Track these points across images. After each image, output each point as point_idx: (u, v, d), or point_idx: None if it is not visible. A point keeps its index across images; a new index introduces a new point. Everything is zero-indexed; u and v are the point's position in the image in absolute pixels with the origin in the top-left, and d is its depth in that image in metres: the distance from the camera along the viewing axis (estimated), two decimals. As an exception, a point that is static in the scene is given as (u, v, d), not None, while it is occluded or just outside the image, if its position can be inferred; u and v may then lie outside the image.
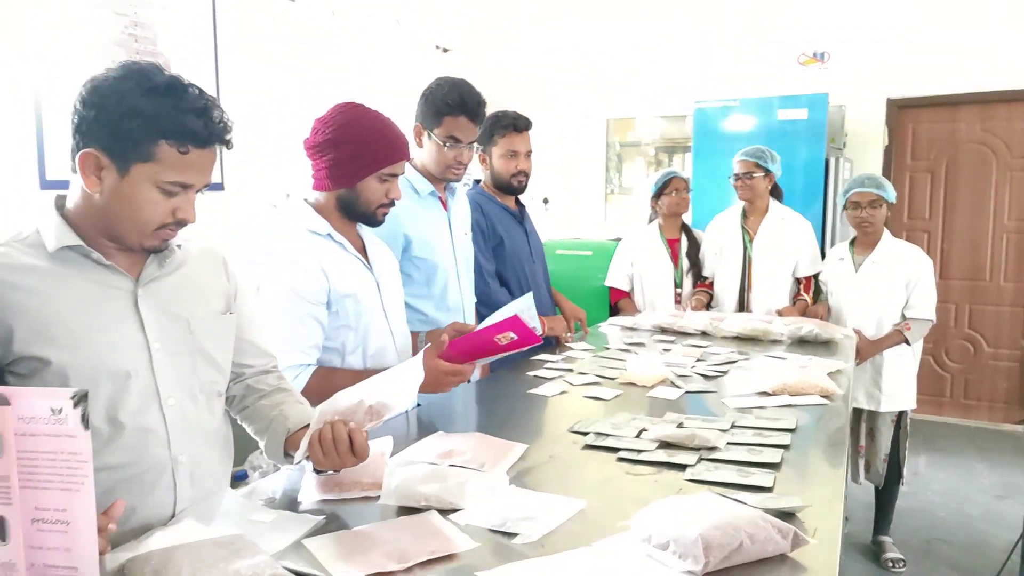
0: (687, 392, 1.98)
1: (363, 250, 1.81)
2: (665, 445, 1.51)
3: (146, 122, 1.07)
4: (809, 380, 1.92)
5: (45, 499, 0.84)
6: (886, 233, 3.12)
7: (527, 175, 2.68)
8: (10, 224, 1.16)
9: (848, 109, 4.77)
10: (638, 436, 1.57)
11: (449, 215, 2.23)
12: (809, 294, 3.26)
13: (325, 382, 1.63)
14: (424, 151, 2.17)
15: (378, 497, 1.23)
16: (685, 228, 3.50)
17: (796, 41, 5.05)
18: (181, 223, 1.17)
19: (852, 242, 3.22)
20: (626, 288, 3.50)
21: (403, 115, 2.11)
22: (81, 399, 0.85)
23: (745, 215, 3.37)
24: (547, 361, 2.33)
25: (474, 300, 2.34)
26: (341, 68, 4.56)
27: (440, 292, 2.13)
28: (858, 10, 4.88)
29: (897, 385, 3.07)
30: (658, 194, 3.44)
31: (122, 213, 1.12)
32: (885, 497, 3.17)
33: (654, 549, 1.01)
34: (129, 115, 1.06)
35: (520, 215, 2.76)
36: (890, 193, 3.06)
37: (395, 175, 1.72)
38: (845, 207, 3.15)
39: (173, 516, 1.17)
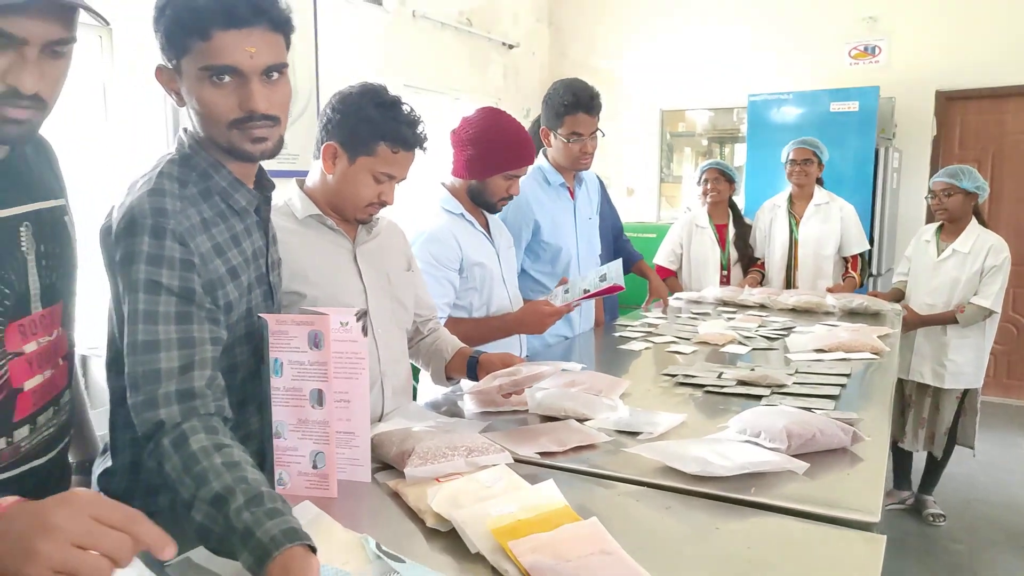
0: (754, 349, 2.32)
1: (487, 227, 2.20)
2: (741, 384, 1.86)
3: (373, 127, 1.46)
4: (861, 339, 2.25)
5: (337, 383, 1.23)
6: (972, 222, 3.31)
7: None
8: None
9: (897, 101, 5.01)
10: (719, 377, 1.92)
11: (575, 203, 2.60)
12: (856, 272, 3.57)
13: (456, 329, 2.02)
14: (553, 149, 2.54)
15: (525, 411, 1.62)
16: (735, 215, 3.83)
17: (847, 36, 5.29)
18: (383, 203, 1.56)
19: (940, 227, 3.43)
20: (673, 268, 3.84)
21: (466, 107, 2.46)
22: (362, 316, 1.24)
23: (791, 200, 3.69)
24: (628, 326, 2.70)
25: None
26: (419, 65, 4.96)
27: (562, 270, 2.50)
28: (908, 5, 5.11)
29: (963, 364, 3.29)
30: (700, 183, 3.79)
31: (346, 191, 1.52)
32: (936, 464, 3.46)
33: (749, 437, 1.37)
34: (363, 121, 1.46)
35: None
36: (966, 182, 3.21)
37: (518, 176, 2.10)
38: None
39: (381, 417, 1.57)
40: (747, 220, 3.85)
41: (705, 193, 3.75)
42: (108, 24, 1.01)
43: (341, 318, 1.23)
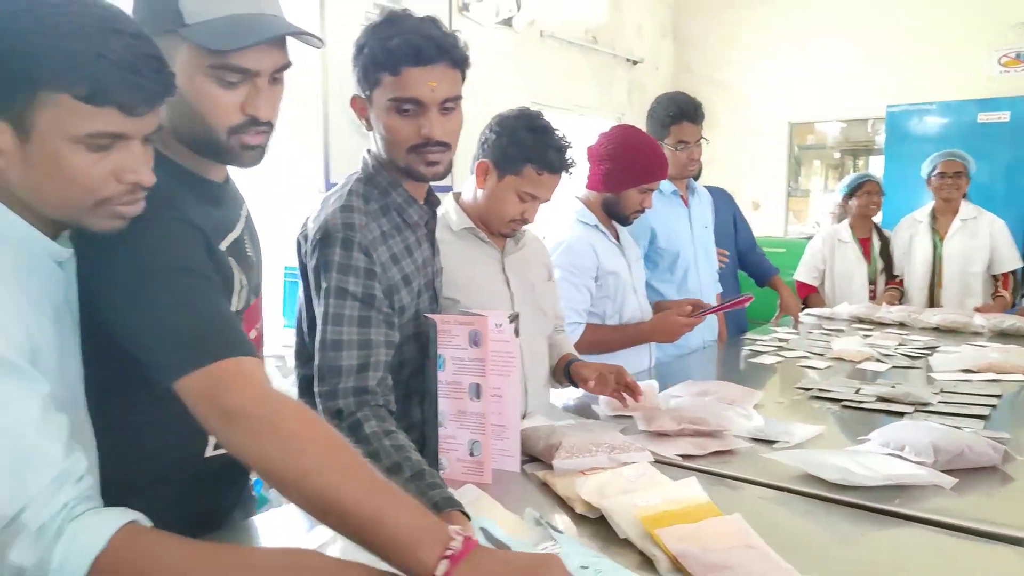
0: (893, 367, 2.26)
1: (617, 238, 2.27)
2: (881, 400, 1.83)
3: (522, 149, 1.58)
4: (1015, 360, 2.14)
5: (492, 379, 1.34)
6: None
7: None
8: (298, 222, 1.41)
9: (1055, 110, 4.67)
10: (856, 393, 1.90)
11: (690, 211, 2.64)
12: (1008, 290, 3.36)
13: (593, 336, 2.10)
14: None
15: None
16: (876, 227, 3.69)
17: (996, 42, 4.99)
18: (525, 221, 1.66)
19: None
20: (815, 284, 3.74)
21: (590, 124, 2.54)
22: (514, 318, 1.34)
23: (934, 215, 3.52)
24: (758, 340, 2.68)
25: (714, 284, 2.71)
26: (546, 83, 5.10)
27: (680, 278, 2.55)
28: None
29: None
30: (850, 195, 3.66)
31: (492, 207, 1.64)
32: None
33: (892, 451, 1.37)
34: (514, 142, 1.58)
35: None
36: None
37: (651, 189, 2.16)
38: None
39: (524, 415, 1.67)
40: (886, 232, 3.71)
41: (867, 205, 3.62)
42: (323, 45, 1.17)
43: (497, 320, 1.34)
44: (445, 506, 1.03)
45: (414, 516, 0.79)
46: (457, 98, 1.34)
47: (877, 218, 3.78)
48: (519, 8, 4.74)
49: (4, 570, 0.73)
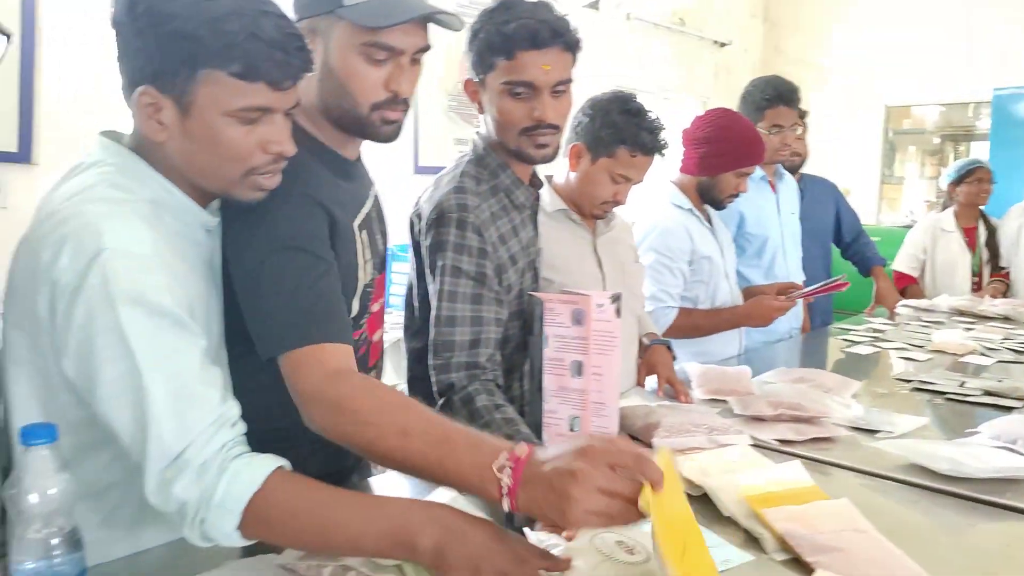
0: (999, 361, 2.17)
1: (710, 222, 2.25)
2: (988, 394, 1.77)
3: (616, 131, 1.60)
4: None
5: (593, 357, 1.37)
6: None
7: (801, 156, 2.90)
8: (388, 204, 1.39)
9: None
10: (961, 386, 1.84)
11: (777, 197, 2.60)
12: None
13: (686, 320, 2.10)
14: None
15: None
16: (983, 216, 3.52)
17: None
18: (618, 203, 1.68)
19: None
20: (914, 275, 3.60)
21: (677, 107, 2.51)
22: (616, 299, 1.37)
23: (1047, 205, 3.34)
24: (851, 330, 2.62)
25: (800, 272, 2.66)
26: (630, 65, 5.05)
27: (768, 263, 2.52)
28: None
29: None
30: (958, 181, 3.50)
31: (585, 189, 1.67)
32: None
33: (1004, 443, 1.33)
34: (607, 125, 1.60)
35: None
36: None
37: (747, 173, 2.14)
38: None
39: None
40: (994, 220, 3.54)
41: (976, 193, 3.47)
42: (460, 30, 1.21)
43: (599, 300, 1.37)
44: None
45: (472, 455, 0.83)
46: (568, 81, 1.38)
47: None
48: (606, -10, 4.70)
49: (169, 504, 0.81)
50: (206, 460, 0.81)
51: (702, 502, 1.14)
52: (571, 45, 1.36)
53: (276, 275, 0.96)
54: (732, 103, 2.59)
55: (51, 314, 0.85)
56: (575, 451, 0.79)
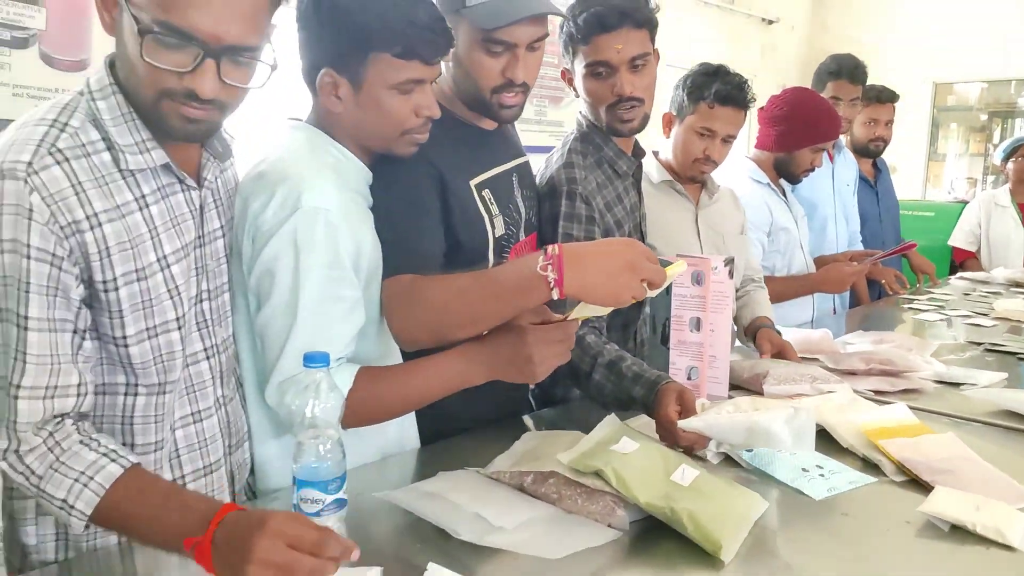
0: (1064, 328, 2.29)
1: (784, 195, 2.39)
2: (1059, 356, 1.90)
3: (695, 89, 1.77)
4: None
5: (708, 315, 1.52)
6: None
7: (886, 142, 3.08)
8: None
9: None
10: (1031, 349, 1.97)
11: (834, 167, 2.72)
12: None
13: (767, 287, 2.24)
14: None
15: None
16: None
17: None
18: (710, 159, 1.81)
19: None
20: (971, 249, 3.70)
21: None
22: (729, 262, 1.52)
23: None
24: (915, 299, 2.74)
25: (851, 242, 2.79)
26: (680, 43, 5.13)
27: (819, 229, 2.63)
28: None
29: None
30: (1007, 158, 3.59)
31: (677, 152, 1.84)
32: None
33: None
34: (687, 87, 1.78)
35: (874, 179, 3.13)
36: None
37: (823, 149, 2.27)
38: None
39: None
40: None
41: (1018, 170, 3.56)
42: (567, 19, 1.37)
43: (715, 263, 1.52)
44: (667, 378, 1.26)
45: (517, 268, 1.07)
46: (645, 55, 1.50)
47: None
48: (660, -30, 4.79)
49: (281, 408, 1.05)
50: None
51: (820, 436, 1.30)
52: (641, 22, 1.48)
53: (386, 218, 1.18)
54: (778, 80, 2.74)
55: (252, 249, 1.05)
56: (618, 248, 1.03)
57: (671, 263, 1.22)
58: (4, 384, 0.82)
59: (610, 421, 1.13)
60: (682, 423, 1.15)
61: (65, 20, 2.40)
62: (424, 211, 1.22)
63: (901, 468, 1.15)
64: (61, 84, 2.40)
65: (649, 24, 1.51)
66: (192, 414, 1.00)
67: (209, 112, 0.87)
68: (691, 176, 1.86)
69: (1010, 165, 3.59)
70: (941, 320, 2.41)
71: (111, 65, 0.91)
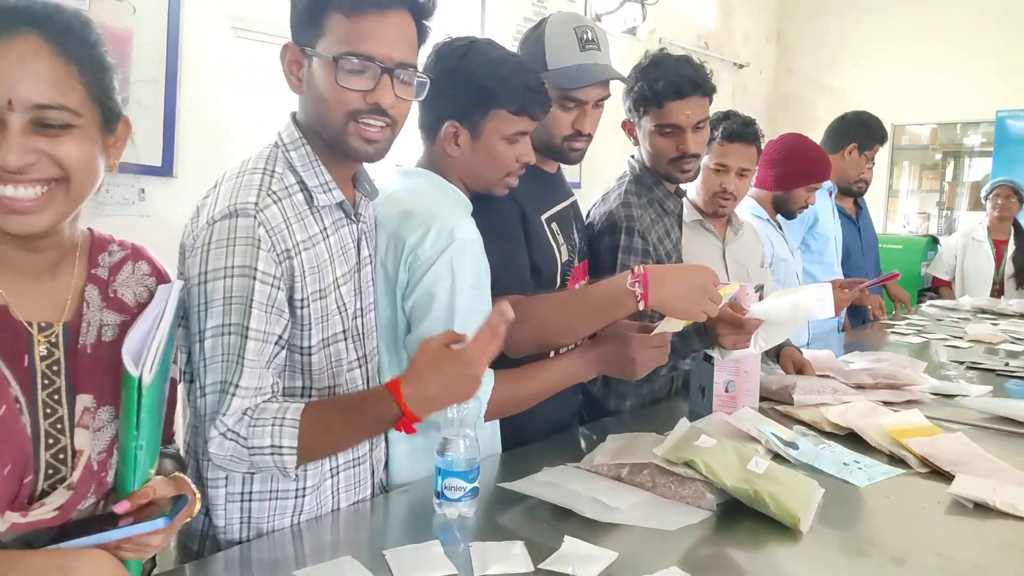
0: (1029, 348, 2.57)
1: (781, 228, 2.64)
2: (1030, 371, 2.16)
3: (711, 130, 1.97)
4: None
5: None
6: None
7: (868, 183, 3.38)
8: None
9: None
10: (1006, 365, 2.23)
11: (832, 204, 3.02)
12: None
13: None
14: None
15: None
16: (1017, 231, 3.94)
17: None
18: (726, 191, 2.03)
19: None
20: (947, 278, 4.03)
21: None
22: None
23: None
24: (895, 324, 3.02)
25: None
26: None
27: (829, 260, 2.91)
28: None
29: None
30: (987, 196, 3.95)
31: (700, 187, 2.05)
32: None
33: (1062, 401, 1.72)
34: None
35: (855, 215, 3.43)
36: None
37: (816, 188, 2.53)
38: None
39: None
40: None
41: (995, 208, 3.91)
42: (626, 82, 1.60)
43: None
44: None
45: (608, 287, 1.29)
46: (706, 119, 1.75)
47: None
48: (644, 18, 5.10)
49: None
50: None
51: (844, 439, 1.51)
52: (708, 92, 1.75)
53: (490, 247, 1.35)
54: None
55: (408, 275, 1.23)
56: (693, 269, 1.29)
57: (727, 285, 1.46)
58: (224, 387, 0.97)
59: (684, 423, 1.32)
60: (752, 308, 1.47)
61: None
62: (515, 240, 1.44)
63: (924, 461, 1.36)
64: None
65: (711, 93, 1.76)
66: None
67: (383, 132, 1.07)
68: (714, 211, 2.08)
69: (988, 204, 3.94)
70: (923, 342, 2.68)
71: (294, 119, 1.10)
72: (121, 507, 0.79)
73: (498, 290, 1.34)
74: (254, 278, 0.98)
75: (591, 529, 1.08)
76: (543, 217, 1.53)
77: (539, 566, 0.98)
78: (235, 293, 0.97)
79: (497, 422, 1.45)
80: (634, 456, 1.22)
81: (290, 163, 1.07)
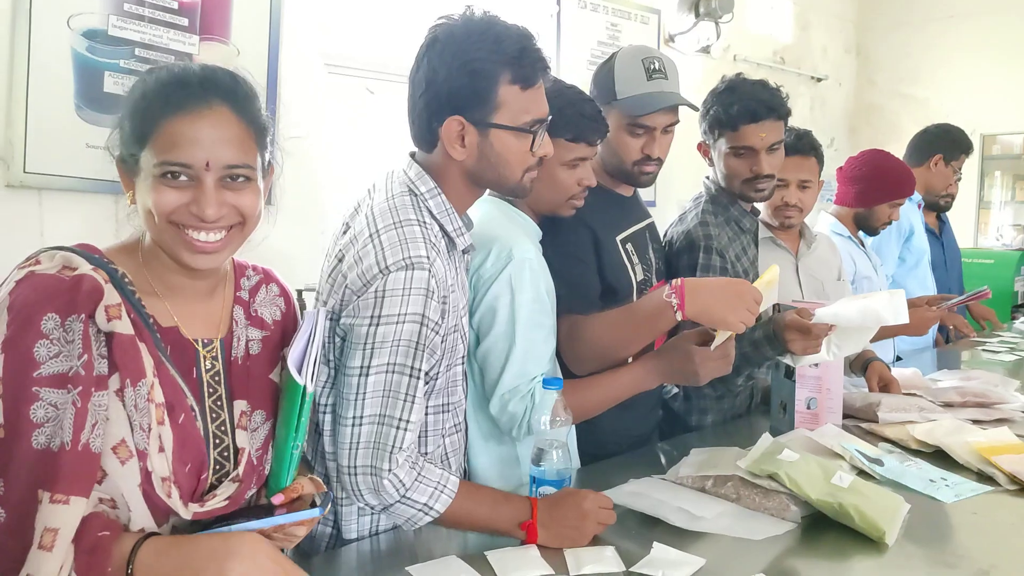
0: None
1: (863, 245, 2.63)
2: None
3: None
4: None
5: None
6: None
7: (954, 196, 3.32)
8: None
9: None
10: (1107, 384, 2.16)
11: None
12: None
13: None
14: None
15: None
16: None
17: None
18: (788, 204, 2.04)
19: None
20: None
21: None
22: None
23: None
24: (985, 342, 2.94)
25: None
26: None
27: (923, 274, 2.88)
28: None
29: None
30: None
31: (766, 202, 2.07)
32: None
33: None
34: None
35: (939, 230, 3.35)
36: None
37: (900, 204, 2.51)
38: None
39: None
40: None
41: None
42: (701, 107, 1.68)
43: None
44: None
45: (648, 300, 1.38)
46: (781, 141, 1.80)
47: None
48: (718, 37, 5.12)
49: (503, 415, 1.32)
50: (532, 391, 1.30)
51: (931, 456, 1.52)
52: (782, 115, 1.80)
53: (559, 269, 1.46)
54: (828, 133, 2.98)
55: (472, 294, 1.34)
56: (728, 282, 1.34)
57: (821, 303, 1.50)
58: (391, 421, 1.07)
59: (767, 438, 1.37)
60: (817, 313, 1.48)
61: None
62: (583, 263, 1.52)
63: (1013, 479, 1.36)
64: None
65: (787, 116, 1.82)
66: (454, 426, 1.27)
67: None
68: (780, 224, 2.10)
69: None
70: (1017, 359, 2.61)
71: (425, 167, 1.21)
72: (278, 499, 0.92)
73: (564, 308, 1.43)
74: (423, 324, 1.09)
75: (678, 537, 1.14)
76: (617, 239, 1.61)
77: (630, 569, 1.05)
78: (405, 337, 1.08)
79: (575, 438, 1.52)
80: (718, 469, 1.27)
81: (430, 211, 1.18)
